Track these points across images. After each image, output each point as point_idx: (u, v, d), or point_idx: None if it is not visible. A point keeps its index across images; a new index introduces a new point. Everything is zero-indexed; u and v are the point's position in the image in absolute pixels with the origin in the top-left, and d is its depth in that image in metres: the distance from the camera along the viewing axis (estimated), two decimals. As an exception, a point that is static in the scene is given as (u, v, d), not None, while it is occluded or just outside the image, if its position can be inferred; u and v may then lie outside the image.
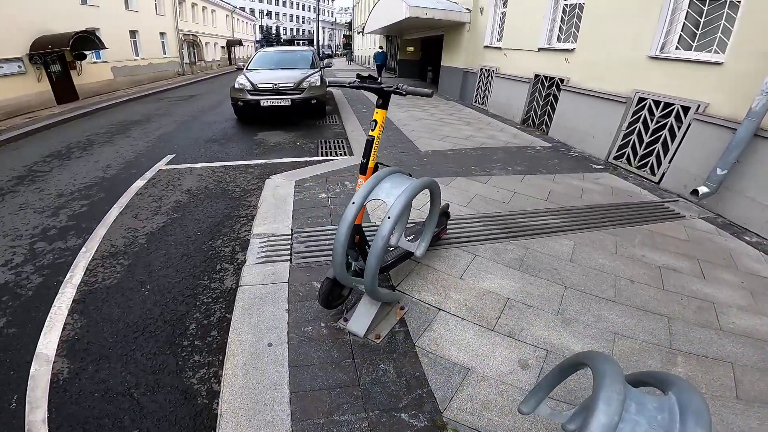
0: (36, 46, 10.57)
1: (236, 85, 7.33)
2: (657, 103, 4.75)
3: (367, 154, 2.06)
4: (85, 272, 2.85)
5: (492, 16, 9.33)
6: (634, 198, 3.99)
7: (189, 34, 23.28)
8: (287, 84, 7.22)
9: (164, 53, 20.15)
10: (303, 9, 71.27)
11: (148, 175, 4.90)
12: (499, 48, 8.82)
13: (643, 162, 4.94)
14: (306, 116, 8.17)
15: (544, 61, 7.24)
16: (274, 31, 61.89)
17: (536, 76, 7.44)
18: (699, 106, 4.12)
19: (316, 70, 8.13)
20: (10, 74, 9.97)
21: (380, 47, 20.21)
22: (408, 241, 2.16)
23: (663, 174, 4.53)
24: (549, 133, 6.94)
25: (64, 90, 11.90)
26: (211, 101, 11.39)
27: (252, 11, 52.79)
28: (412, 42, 17.61)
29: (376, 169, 2.12)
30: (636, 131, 5.07)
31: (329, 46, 55.33)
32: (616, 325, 2.10)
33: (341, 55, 47.77)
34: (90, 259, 3.03)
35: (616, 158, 5.34)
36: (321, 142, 6.23)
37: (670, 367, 1.86)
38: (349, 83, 2.13)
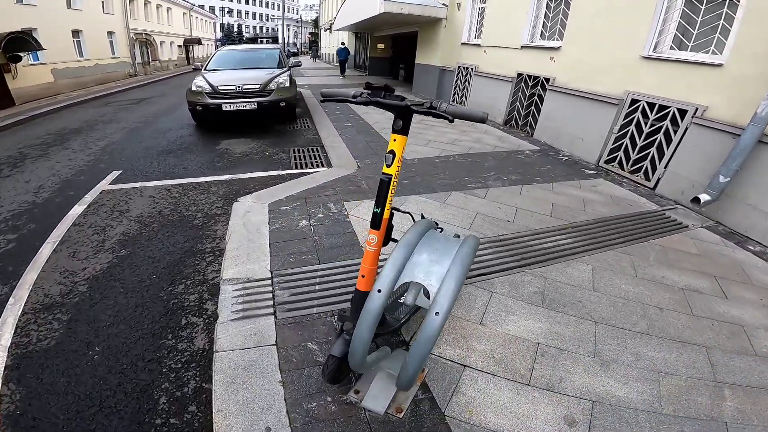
0: None
1: (193, 88, 6.50)
2: (651, 105, 4.51)
3: (380, 201, 1.50)
4: (16, 331, 2.25)
5: (470, 12, 8.93)
6: (634, 207, 3.81)
7: (141, 33, 21.98)
8: (252, 85, 6.46)
9: (113, 53, 18.85)
10: (266, 6, 69.19)
11: (89, 198, 4.08)
12: (478, 45, 8.44)
13: (637, 167, 4.72)
14: (274, 121, 7.43)
15: (527, 59, 6.90)
16: (236, 30, 59.70)
17: (519, 75, 7.10)
18: (697, 109, 3.92)
19: (284, 69, 7.43)
20: None
21: (342, 43, 19.57)
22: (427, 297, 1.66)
23: (658, 179, 4.34)
24: (534, 134, 6.62)
25: None
26: (165, 105, 10.36)
27: (212, 9, 50.66)
28: (382, 39, 17.05)
29: (391, 218, 1.60)
30: (629, 134, 4.84)
31: (295, 44, 53.88)
32: (657, 362, 1.95)
33: (307, 52, 46.54)
34: (20, 313, 2.38)
35: (607, 162, 5.10)
36: (294, 152, 5.56)
37: (721, 402, 1.75)
38: (354, 95, 1.51)
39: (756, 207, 3.36)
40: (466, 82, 8.93)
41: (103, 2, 17.90)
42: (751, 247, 3.19)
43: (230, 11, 61.51)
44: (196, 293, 2.56)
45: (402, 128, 1.43)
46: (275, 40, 55.47)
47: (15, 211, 3.84)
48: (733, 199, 3.52)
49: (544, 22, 6.72)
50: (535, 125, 6.64)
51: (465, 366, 1.87)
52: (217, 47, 38.67)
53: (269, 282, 2.45)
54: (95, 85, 16.03)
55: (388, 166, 1.45)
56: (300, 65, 8.94)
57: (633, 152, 4.76)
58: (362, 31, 19.45)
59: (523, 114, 7.11)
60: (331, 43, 29.75)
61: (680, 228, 3.43)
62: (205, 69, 7.48)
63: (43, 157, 5.65)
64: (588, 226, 3.34)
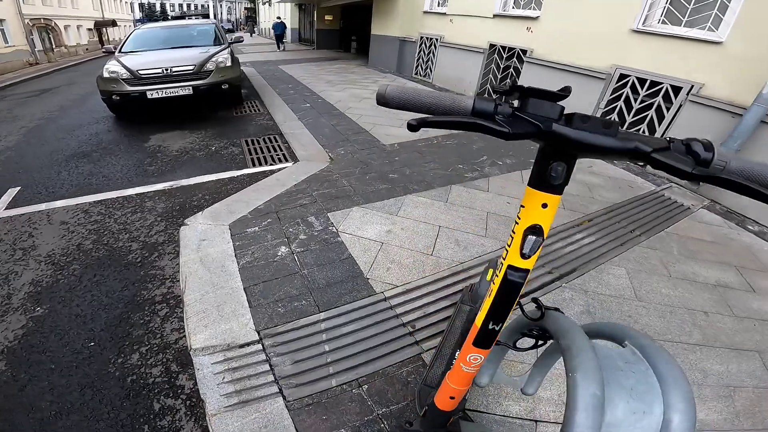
0: None
1: (105, 74, 5.17)
2: (642, 80, 4.24)
3: (501, 314, 0.82)
4: None
5: None
6: (634, 189, 3.62)
7: (39, 19, 19.70)
8: (185, 67, 5.26)
9: (6, 42, 16.77)
10: (193, -19, 63.10)
11: None
12: (443, 14, 7.68)
13: None
14: (217, 107, 6.25)
15: (500, 29, 6.29)
16: (158, 8, 54.05)
17: (492, 46, 6.50)
18: (693, 86, 3.75)
19: (224, 46, 6.23)
20: None
21: (278, 17, 18.07)
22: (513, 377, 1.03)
23: None
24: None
25: None
26: (74, 95, 8.58)
27: None
28: (330, 9, 15.68)
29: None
30: (617, 110, 4.55)
31: (229, 20, 49.66)
32: (723, 376, 1.81)
33: (243, 28, 43.00)
34: None
35: None
36: (247, 144, 4.51)
37: None
38: (498, 117, 0.62)
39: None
40: (431, 54, 8.19)
41: None
42: (750, 227, 3.13)
43: None
44: (159, 364, 1.81)
45: (563, 181, 0.69)
46: (205, 17, 50.80)
47: None
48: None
49: None
50: (513, 98, 6.10)
51: (536, 421, 1.53)
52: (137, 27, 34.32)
53: (259, 347, 1.77)
54: None
55: (525, 256, 0.74)
56: (242, 41, 7.60)
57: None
58: (307, 2, 17.88)
59: (498, 86, 6.54)
60: (271, 17, 27.48)
61: (684, 211, 3.31)
62: (119, 51, 6.07)
63: None
64: (603, 218, 3.06)
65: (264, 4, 30.12)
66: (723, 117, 3.51)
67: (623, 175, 3.92)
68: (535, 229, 0.72)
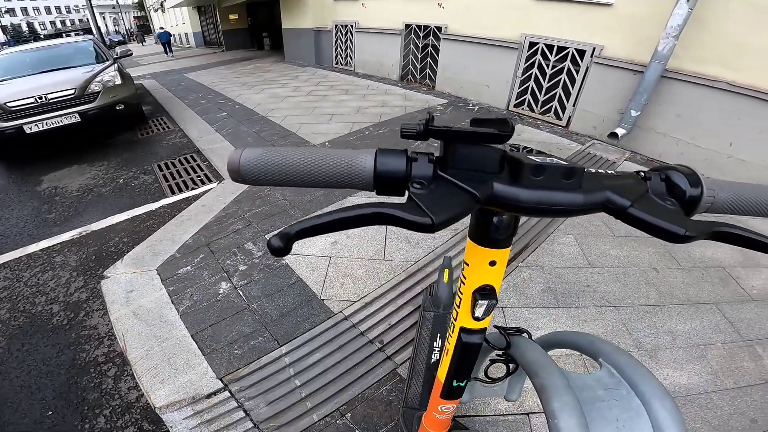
0: None
1: None
2: (550, 47, 4.45)
3: (464, 372, 0.73)
4: None
5: None
6: (563, 151, 3.78)
7: None
8: (64, 92, 4.53)
9: None
10: (66, -3, 56.41)
11: None
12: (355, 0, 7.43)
13: (546, 108, 4.73)
14: (115, 128, 5.52)
15: (413, 8, 6.24)
16: (26, 29, 47.83)
17: (407, 26, 6.45)
18: (594, 48, 3.97)
19: (109, 62, 5.46)
20: None
21: (161, 27, 18.17)
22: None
23: (569, 118, 4.42)
24: (436, 87, 6.15)
25: None
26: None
27: None
28: (234, 8, 14.69)
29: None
30: (533, 77, 4.77)
31: (118, 32, 45.08)
32: (691, 335, 1.87)
33: (135, 38, 39.35)
34: None
35: (516, 106, 5.05)
36: (160, 168, 4.03)
37: (760, 360, 1.75)
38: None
39: (666, 134, 3.59)
40: (348, 41, 7.97)
41: None
42: None
43: (10, 11, 48.89)
44: (130, 425, 1.64)
45: (512, 232, 0.57)
46: (88, 32, 45.74)
47: None
48: (643, 129, 3.73)
49: None
50: (435, 77, 6.15)
51: (528, 414, 1.51)
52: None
53: (227, 394, 1.64)
54: None
55: (477, 317, 0.62)
56: (131, 54, 6.70)
57: (540, 94, 4.75)
58: (206, 4, 16.57)
59: (419, 67, 6.51)
60: (167, 23, 25.31)
61: (611, 165, 3.46)
62: None
63: None
64: None
65: (156, 11, 27.61)
66: (626, 75, 3.74)
67: (549, 138, 4.10)
68: (485, 291, 0.59)
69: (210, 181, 3.63)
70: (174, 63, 13.39)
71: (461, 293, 0.63)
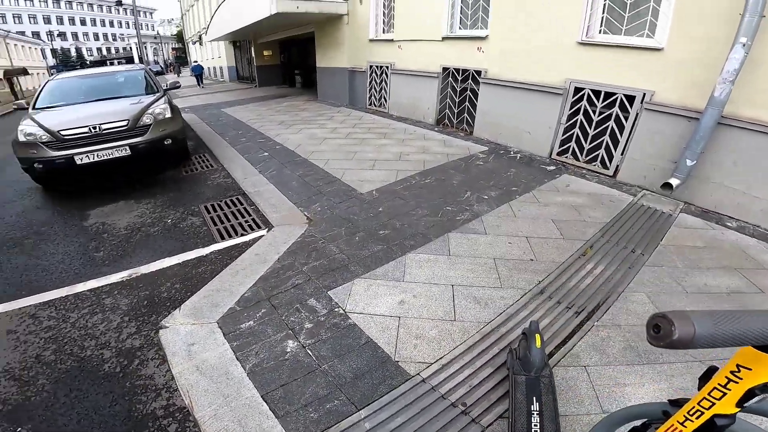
0: None
1: (21, 137, 4.38)
2: (597, 93, 4.36)
3: None
4: None
5: (374, 5, 8.10)
6: (615, 203, 3.71)
7: None
8: (117, 123, 4.57)
9: None
10: (111, 25, 60.55)
11: None
12: (391, 40, 7.68)
13: (592, 156, 4.60)
14: (160, 166, 5.56)
15: (451, 51, 6.34)
16: (74, 53, 50.80)
17: (445, 69, 6.54)
18: (645, 94, 3.90)
19: (159, 94, 5.53)
20: None
21: (195, 61, 20.03)
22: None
23: (617, 167, 4.27)
24: (474, 132, 6.14)
25: None
26: (-9, 161, 7.50)
27: (37, 35, 42.51)
28: (268, 45, 15.35)
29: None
30: (578, 124, 4.65)
31: (156, 62, 47.53)
32: None
33: (172, 69, 41.44)
34: None
35: (560, 154, 4.92)
36: (208, 210, 4.01)
37: None
38: None
39: (722, 184, 3.46)
40: (383, 82, 8.15)
41: None
42: (729, 225, 3.31)
43: (62, 35, 52.22)
44: None
45: None
46: (130, 60, 48.25)
47: None
48: (698, 179, 3.59)
49: (462, 8, 6.22)
50: (473, 122, 6.15)
51: None
52: (53, 75, 31.59)
53: None
54: None
55: (744, 406, 0.77)
56: (179, 86, 6.79)
57: (585, 141, 4.63)
58: (242, 39, 17.37)
59: (456, 111, 6.56)
60: (204, 56, 26.65)
61: (667, 218, 3.42)
62: (33, 107, 5.21)
63: None
64: (602, 243, 3.06)
65: (194, 44, 29.20)
66: (679, 122, 3.62)
67: (598, 189, 4.00)
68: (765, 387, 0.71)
69: (259, 227, 3.59)
70: (211, 97, 13.95)
71: (728, 389, 0.73)
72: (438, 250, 2.95)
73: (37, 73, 31.89)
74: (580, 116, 4.59)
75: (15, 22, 46.95)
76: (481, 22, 5.90)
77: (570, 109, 4.66)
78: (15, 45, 29.24)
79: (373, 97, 8.62)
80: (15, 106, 5.64)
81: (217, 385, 1.89)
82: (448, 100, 6.68)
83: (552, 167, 4.62)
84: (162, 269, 3.07)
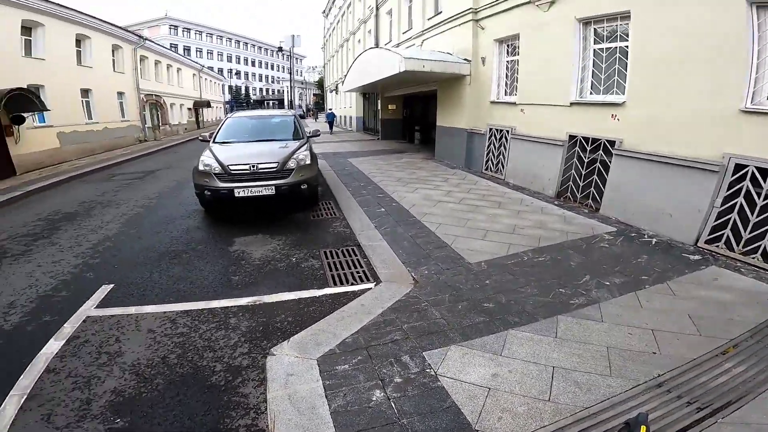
0: None
1: (201, 167, 5.47)
2: (763, 171, 3.68)
3: None
4: None
5: (497, 67, 8.34)
6: None
7: (151, 95, 21.30)
8: (269, 165, 5.44)
9: (123, 116, 17.96)
10: (272, 68, 72.37)
11: (69, 329, 3.09)
12: (513, 103, 7.72)
13: (752, 247, 3.80)
14: (294, 207, 6.34)
15: (580, 118, 6.08)
16: (243, 92, 61.34)
17: (572, 137, 6.25)
18: None
19: (303, 141, 6.37)
20: None
21: (330, 108, 22.83)
22: None
23: None
24: (600, 210, 5.63)
25: None
26: (171, 181, 9.52)
27: (220, 71, 52.39)
28: (393, 99, 16.74)
29: None
30: (736, 208, 3.93)
31: (299, 106, 55.25)
32: None
33: (312, 114, 47.65)
34: None
35: (709, 242, 4.16)
36: (326, 256, 4.44)
37: None
38: None
39: None
40: (501, 147, 8.12)
41: (114, 60, 17.41)
42: None
43: (237, 73, 63.71)
44: None
45: None
46: (281, 103, 56.78)
47: (-27, 341, 2.92)
48: None
49: (594, 72, 5.99)
50: (601, 198, 5.67)
51: None
52: (226, 110, 39.14)
53: None
54: (103, 151, 15.32)
55: None
56: (319, 135, 7.84)
57: (745, 230, 3.87)
58: (370, 91, 19.25)
59: (581, 185, 6.15)
60: (337, 105, 30.11)
61: None
62: (213, 141, 6.44)
63: (24, 255, 4.69)
64: (750, 344, 2.62)
65: (331, 92, 33.26)
66: None
67: (755, 286, 3.40)
68: None
69: (368, 279, 3.82)
70: (339, 145, 15.62)
71: None
72: (543, 331, 2.80)
73: (216, 107, 37.63)
74: (740, 199, 3.90)
75: (207, 58, 55.07)
76: (617, 87, 5.59)
77: (728, 190, 4.00)
78: (205, 79, 34.34)
79: (490, 161, 8.61)
80: (200, 138, 7.00)
81: (301, 418, 2.04)
82: (572, 171, 6.32)
83: (696, 257, 4.01)
84: (280, 301, 3.48)
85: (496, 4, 7.84)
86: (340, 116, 29.23)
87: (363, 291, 3.55)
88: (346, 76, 15.68)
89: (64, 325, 3.14)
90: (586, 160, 6.03)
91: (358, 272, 3.98)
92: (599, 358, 2.47)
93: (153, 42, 22.68)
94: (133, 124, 18.91)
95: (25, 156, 10.87)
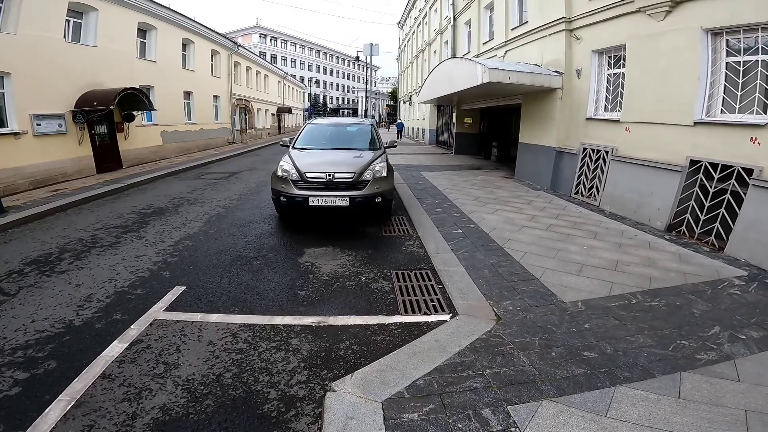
0: (81, 102, 9.73)
1: (279, 172, 5.43)
2: None
3: None
4: None
5: (595, 80, 7.48)
6: None
7: (242, 99, 22.74)
8: (345, 174, 5.24)
9: (216, 118, 19.38)
10: (348, 78, 75.23)
11: (135, 331, 3.07)
12: (616, 121, 6.83)
13: None
14: (367, 219, 6.09)
15: (707, 140, 5.15)
16: (321, 100, 64.22)
17: (694, 162, 5.30)
18: None
19: (380, 152, 6.11)
20: (48, 133, 8.96)
21: (399, 119, 23.00)
22: None
23: None
24: (726, 249, 4.67)
25: (107, 156, 10.98)
26: (252, 183, 9.93)
27: (302, 79, 55.10)
28: (470, 112, 16.08)
29: None
30: None
31: (373, 116, 56.31)
32: None
33: (384, 124, 48.31)
34: None
35: None
36: (398, 278, 4.08)
37: None
38: None
39: None
40: (598, 169, 7.19)
41: (212, 65, 18.84)
42: None
43: (317, 82, 66.92)
44: None
45: None
46: (355, 112, 58.39)
47: (43, 333, 3.03)
48: None
49: (727, 87, 5.02)
50: (727, 236, 4.72)
51: None
52: (305, 117, 41.07)
53: None
54: (197, 151, 16.62)
55: None
56: (396, 146, 7.42)
57: None
58: (447, 104, 18.77)
59: (703, 218, 5.14)
60: (410, 116, 30.15)
61: None
62: (293, 146, 6.43)
63: (113, 247, 5.01)
64: None
65: (404, 103, 33.39)
66: None
67: None
68: None
69: (443, 309, 3.40)
70: (412, 158, 15.32)
71: None
72: (663, 390, 2.31)
73: (297, 113, 39.18)
74: None
75: (291, 66, 57.88)
76: (758, 106, 4.63)
77: None
78: (288, 86, 35.94)
79: (582, 184, 7.67)
80: (281, 143, 7.04)
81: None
82: (692, 201, 5.34)
83: None
84: (346, 325, 3.18)
85: (596, 12, 7.05)
86: (413, 128, 29.24)
87: (437, 323, 3.14)
88: (421, 86, 15.43)
89: (131, 326, 3.12)
90: (711, 190, 5.04)
91: (432, 300, 3.57)
92: (735, 424, 2.06)
93: (245, 49, 24.31)
94: (224, 126, 20.38)
95: (131, 151, 12.10)
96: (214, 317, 3.30)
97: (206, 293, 3.75)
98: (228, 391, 2.42)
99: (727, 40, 5.00)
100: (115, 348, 2.83)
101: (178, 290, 3.79)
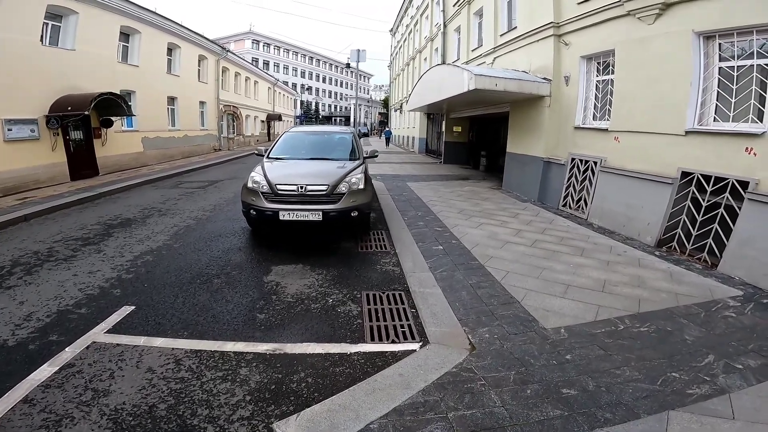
0: (55, 107, 9.33)
1: (249, 183, 5.12)
2: None
3: None
4: None
5: (583, 87, 7.27)
6: None
7: (230, 105, 22.33)
8: (318, 187, 4.93)
9: (202, 125, 18.93)
10: (341, 86, 75.30)
11: (69, 354, 2.80)
12: (604, 130, 6.61)
13: None
14: (343, 233, 5.74)
15: (699, 150, 4.92)
16: (313, 107, 64.14)
17: (685, 174, 5.08)
18: None
19: (359, 162, 5.84)
20: (19, 139, 8.58)
21: (387, 127, 22.88)
22: None
23: None
24: (720, 266, 4.44)
25: (82, 162, 10.52)
26: (229, 193, 9.49)
27: (294, 86, 54.85)
28: (459, 121, 15.89)
29: None
30: None
31: (365, 124, 56.03)
32: None
33: (376, 133, 48.24)
34: None
35: None
36: (368, 301, 3.75)
37: None
38: None
39: None
40: (586, 180, 6.96)
41: (199, 70, 18.44)
42: None
43: (309, 88, 66.78)
44: None
45: None
46: (347, 119, 58.31)
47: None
48: None
49: (719, 93, 4.82)
50: (721, 252, 4.47)
51: None
52: (296, 124, 40.75)
53: None
54: (181, 158, 16.16)
55: None
56: (377, 156, 7.17)
57: None
58: (435, 112, 18.61)
59: (695, 234, 4.90)
60: (401, 124, 30.05)
61: None
62: (267, 156, 6.13)
63: (67, 261, 4.65)
64: None
65: (395, 111, 33.34)
66: None
67: None
68: None
69: (413, 337, 3.07)
70: (399, 167, 15.03)
71: None
72: None
73: (287, 120, 38.31)
74: None
75: (283, 72, 57.58)
76: (754, 113, 4.41)
77: None
78: (279, 93, 35.23)
79: (570, 196, 7.41)
80: (256, 152, 6.69)
81: None
82: (683, 216, 5.09)
83: None
84: (304, 354, 2.87)
85: (585, 16, 6.86)
86: (403, 136, 29.10)
87: (405, 353, 2.84)
88: (410, 94, 15.19)
89: (66, 348, 2.85)
90: (704, 204, 4.81)
91: (402, 326, 3.24)
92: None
93: (234, 54, 24.03)
94: (210, 132, 19.90)
95: (109, 158, 11.65)
96: (158, 341, 2.98)
97: (156, 314, 3.41)
98: (159, 424, 2.14)
99: (720, 44, 4.81)
100: (44, 371, 2.59)
101: (125, 310, 3.45)
